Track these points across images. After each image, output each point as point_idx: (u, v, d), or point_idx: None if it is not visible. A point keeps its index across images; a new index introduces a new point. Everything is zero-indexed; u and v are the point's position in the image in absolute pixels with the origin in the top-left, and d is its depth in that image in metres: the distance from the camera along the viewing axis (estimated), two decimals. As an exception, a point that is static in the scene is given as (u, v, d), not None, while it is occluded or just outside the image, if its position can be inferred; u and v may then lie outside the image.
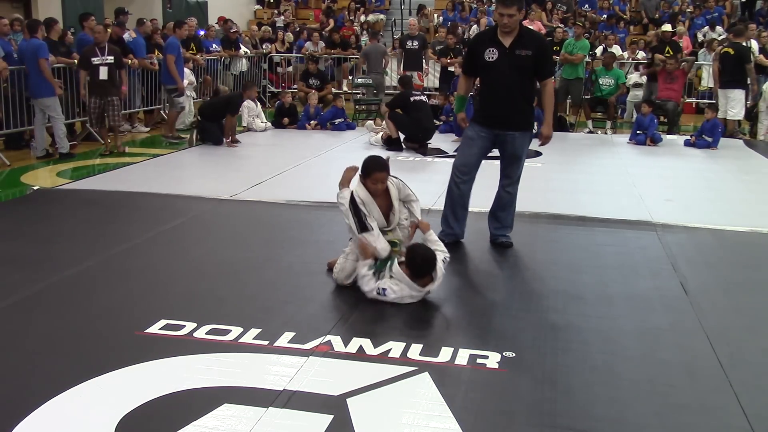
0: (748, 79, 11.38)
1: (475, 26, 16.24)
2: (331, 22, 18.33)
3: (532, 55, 5.08)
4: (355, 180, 4.50)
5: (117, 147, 9.46)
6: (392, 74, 15.40)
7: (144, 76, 11.58)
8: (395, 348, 3.58)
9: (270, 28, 17.11)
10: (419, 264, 4.17)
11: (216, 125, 10.03)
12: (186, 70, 11.50)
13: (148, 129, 11.76)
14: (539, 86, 5.39)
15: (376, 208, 4.41)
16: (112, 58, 9.27)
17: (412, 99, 9.92)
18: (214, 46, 13.89)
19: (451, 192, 5.43)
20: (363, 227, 4.29)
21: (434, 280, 4.20)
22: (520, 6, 5.02)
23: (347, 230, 4.47)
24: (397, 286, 4.17)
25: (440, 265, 4.23)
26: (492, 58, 5.12)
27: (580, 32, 12.39)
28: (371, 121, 11.52)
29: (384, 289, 4.17)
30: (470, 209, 5.53)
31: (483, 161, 5.44)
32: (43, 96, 8.79)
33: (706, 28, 16.23)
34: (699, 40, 15.73)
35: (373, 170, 4.40)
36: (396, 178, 4.58)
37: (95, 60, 9.17)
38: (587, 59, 13.38)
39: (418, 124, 9.82)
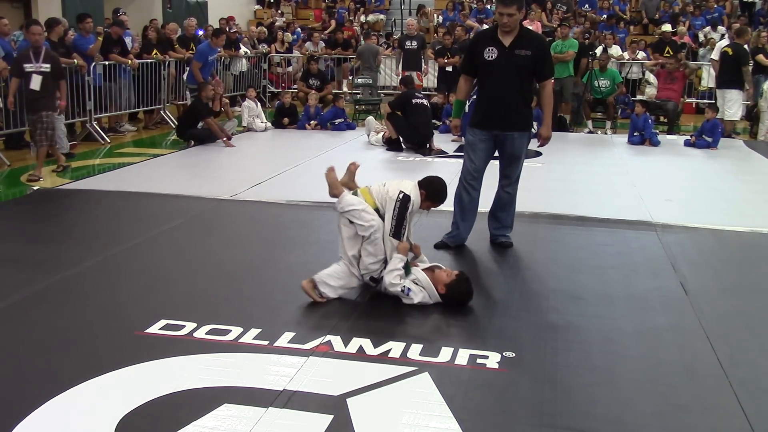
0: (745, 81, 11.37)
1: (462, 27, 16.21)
2: (333, 23, 18.33)
3: (532, 55, 5.08)
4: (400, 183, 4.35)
5: (57, 167, 8.17)
6: (392, 74, 15.42)
7: (142, 77, 11.54)
8: (395, 348, 3.58)
9: (266, 29, 17.10)
10: (461, 298, 4.21)
11: (200, 129, 10.07)
12: None
13: (135, 129, 11.70)
14: (538, 87, 5.39)
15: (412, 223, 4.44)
16: (49, 66, 7.86)
17: (413, 101, 9.86)
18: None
19: (461, 200, 5.40)
20: (397, 234, 4.22)
21: None
22: (520, 5, 5.01)
23: (352, 230, 4.24)
24: (422, 293, 4.17)
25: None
26: (491, 57, 5.11)
27: (566, 32, 12.48)
28: (372, 117, 11.47)
29: (409, 290, 4.15)
30: (471, 210, 5.52)
31: None
32: None
33: (708, 28, 16.20)
34: (700, 40, 15.72)
35: (443, 200, 4.50)
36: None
37: (28, 67, 7.82)
38: (587, 59, 13.39)
39: (415, 129, 9.77)
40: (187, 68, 11.64)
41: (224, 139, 9.98)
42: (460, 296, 4.20)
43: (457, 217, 5.43)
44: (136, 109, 11.89)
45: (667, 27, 14.73)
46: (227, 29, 14.68)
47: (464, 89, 5.50)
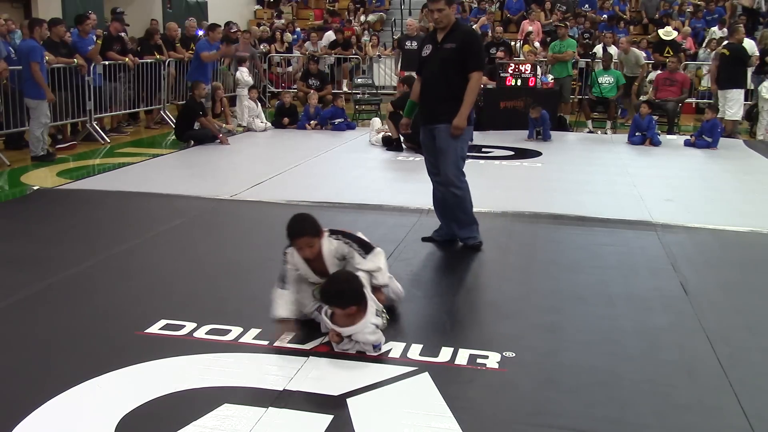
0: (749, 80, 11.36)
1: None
2: (336, 23, 18.34)
3: (457, 47, 5.08)
4: None
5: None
6: (391, 74, 15.41)
7: (140, 77, 11.52)
8: (395, 348, 3.58)
9: (268, 29, 17.10)
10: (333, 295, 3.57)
11: (198, 130, 10.10)
12: (244, 69, 11.94)
13: (116, 127, 11.62)
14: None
15: (309, 271, 3.85)
16: None
17: None
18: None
19: (434, 197, 5.52)
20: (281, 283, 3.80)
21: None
22: (449, 0, 5.07)
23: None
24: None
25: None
26: (426, 53, 5.26)
27: (564, 32, 12.50)
28: (377, 118, 11.50)
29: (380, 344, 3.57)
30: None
31: (471, 160, 5.49)
32: (31, 96, 8.72)
33: (715, 27, 16.13)
34: (707, 39, 15.65)
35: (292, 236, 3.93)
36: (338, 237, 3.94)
37: None
38: (587, 60, 13.40)
39: (416, 128, 9.76)
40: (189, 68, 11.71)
41: (219, 136, 10.10)
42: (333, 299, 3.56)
43: (438, 215, 5.54)
44: (135, 109, 11.87)
45: (668, 29, 14.72)
46: (229, 29, 14.63)
47: (416, 90, 5.51)
